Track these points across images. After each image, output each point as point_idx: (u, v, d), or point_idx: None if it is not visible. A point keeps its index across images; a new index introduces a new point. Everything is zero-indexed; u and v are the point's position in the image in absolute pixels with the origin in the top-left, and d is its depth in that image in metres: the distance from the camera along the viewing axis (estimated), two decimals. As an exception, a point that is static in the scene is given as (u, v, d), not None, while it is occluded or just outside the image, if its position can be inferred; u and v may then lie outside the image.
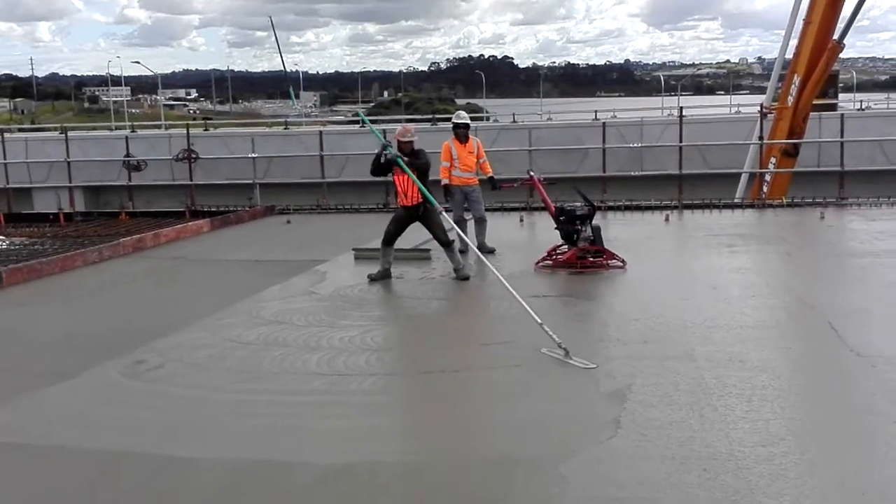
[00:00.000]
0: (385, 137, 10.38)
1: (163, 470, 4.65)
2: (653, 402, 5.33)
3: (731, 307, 7.89)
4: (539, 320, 6.73)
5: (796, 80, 17.90)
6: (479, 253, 9.76)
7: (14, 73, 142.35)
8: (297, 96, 60.80)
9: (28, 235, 15.42)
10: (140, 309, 8.96)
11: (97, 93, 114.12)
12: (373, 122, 33.44)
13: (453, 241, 10.23)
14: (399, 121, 37.62)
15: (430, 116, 31.60)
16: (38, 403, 5.85)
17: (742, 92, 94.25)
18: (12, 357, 7.14)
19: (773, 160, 18.53)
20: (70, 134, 23.00)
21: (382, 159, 9.59)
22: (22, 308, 9.22)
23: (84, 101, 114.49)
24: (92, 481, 4.56)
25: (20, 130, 36.75)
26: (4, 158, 21.31)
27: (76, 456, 4.89)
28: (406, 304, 9.00)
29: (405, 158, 9.55)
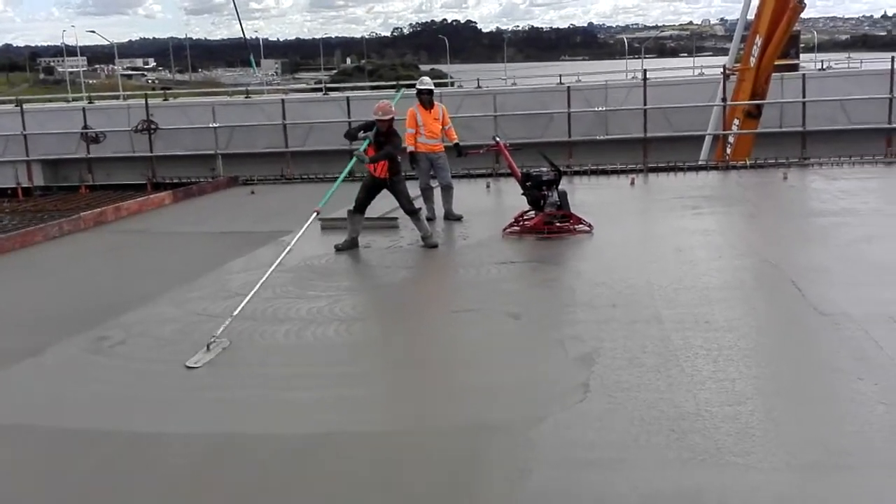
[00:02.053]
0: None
1: (132, 446, 4.61)
2: (621, 365, 5.37)
3: (696, 269, 7.96)
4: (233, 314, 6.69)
5: (758, 40, 17.94)
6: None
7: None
8: (258, 64, 59.88)
9: (-15, 211, 15.12)
10: (103, 284, 8.83)
11: (52, 63, 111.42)
12: (335, 89, 33.09)
13: (420, 208, 10.20)
14: (362, 88, 37.26)
15: (394, 83, 31.30)
16: (2, 382, 5.76)
17: (705, 54, 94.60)
18: (-28, 336, 7.00)
19: (736, 121, 18.63)
20: (26, 106, 22.42)
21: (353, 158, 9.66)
22: (-19, 286, 9.03)
23: (39, 72, 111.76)
24: (60, 459, 4.50)
25: (-27, 104, 35.79)
26: (-43, 133, 20.78)
27: (43, 434, 4.83)
28: (374, 274, 8.96)
29: (366, 157, 9.56)
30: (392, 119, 9.60)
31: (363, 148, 9.58)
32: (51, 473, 4.35)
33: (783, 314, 6.64)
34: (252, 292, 7.03)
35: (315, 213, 8.76)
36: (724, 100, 18.03)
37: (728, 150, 18.42)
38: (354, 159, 9.64)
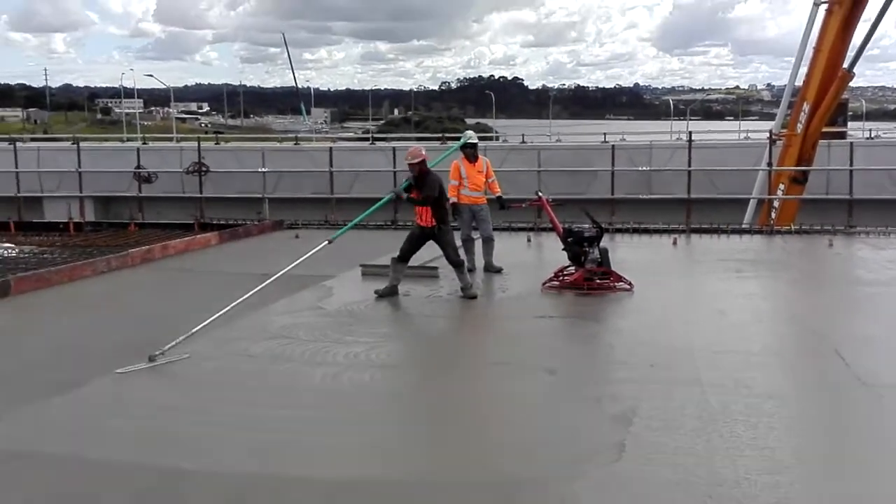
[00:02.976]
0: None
1: (167, 481, 4.65)
2: (658, 427, 5.31)
3: (738, 333, 7.87)
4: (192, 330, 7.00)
5: (806, 107, 17.92)
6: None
7: (28, 83, 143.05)
8: (308, 112, 61.13)
9: (38, 244, 15.48)
10: (147, 320, 8.97)
11: (110, 104, 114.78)
12: (382, 139, 33.62)
13: (464, 261, 10.25)
14: (409, 139, 37.81)
15: (439, 135, 31.72)
16: (44, 412, 5.85)
17: (751, 118, 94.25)
18: (18, 365, 7.14)
19: (781, 187, 18.52)
20: (82, 144, 23.12)
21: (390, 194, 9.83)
22: (29, 316, 9.25)
23: (97, 112, 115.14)
24: (96, 491, 4.55)
25: (32, 140, 36.99)
26: (16, 167, 21.43)
27: (81, 465, 4.89)
28: (413, 322, 9.00)
29: (404, 193, 9.68)
30: (422, 161, 9.70)
31: (403, 187, 9.70)
32: (82, 502, 4.39)
33: (826, 383, 6.51)
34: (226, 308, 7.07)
35: (326, 242, 8.89)
36: (770, 164, 17.95)
37: (773, 215, 18.28)
38: (391, 195, 9.72)
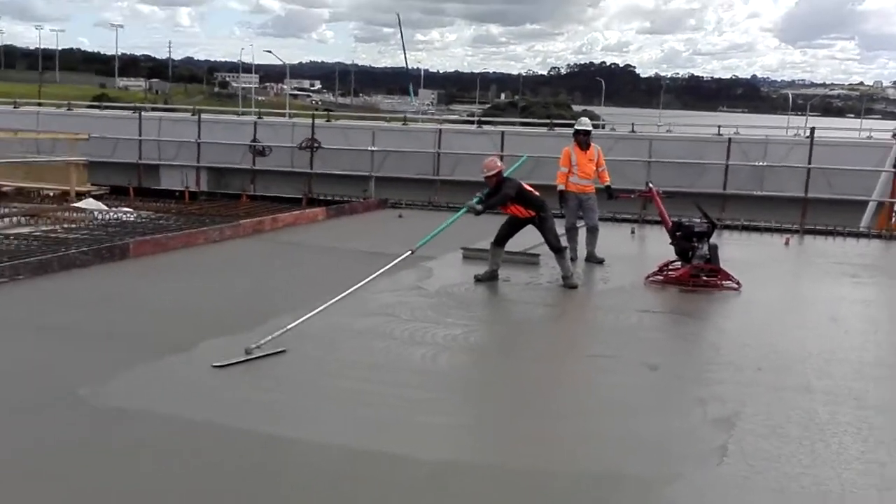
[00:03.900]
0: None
1: (268, 448, 4.80)
2: (762, 433, 5.16)
3: (851, 341, 7.55)
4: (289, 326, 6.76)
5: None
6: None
7: (152, 55, 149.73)
8: (416, 94, 61.55)
9: (154, 210, 16.15)
10: (256, 289, 9.29)
11: (227, 78, 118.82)
12: (488, 122, 33.57)
13: (566, 247, 10.17)
14: (514, 123, 37.61)
15: (545, 121, 31.45)
16: (157, 372, 6.11)
17: (874, 116, 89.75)
18: (134, 325, 7.50)
19: (905, 190, 17.59)
20: (201, 116, 23.99)
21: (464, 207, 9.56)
22: (146, 279, 9.69)
23: (215, 85, 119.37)
24: (197, 454, 4.74)
25: (154, 109, 38.64)
26: (139, 135, 22.45)
27: (188, 427, 5.09)
28: (511, 308, 9.00)
29: (479, 205, 9.45)
30: (497, 174, 9.58)
31: (476, 201, 9.56)
32: (193, 465, 4.59)
33: (946, 400, 6.18)
34: (318, 309, 7.19)
35: (409, 252, 8.64)
36: (894, 166, 17.06)
37: (893, 219, 17.38)
38: (465, 208, 9.50)
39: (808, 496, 4.30)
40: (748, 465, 4.66)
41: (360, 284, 7.80)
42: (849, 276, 10.96)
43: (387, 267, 8.21)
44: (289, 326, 6.77)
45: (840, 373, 6.51)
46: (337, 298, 7.43)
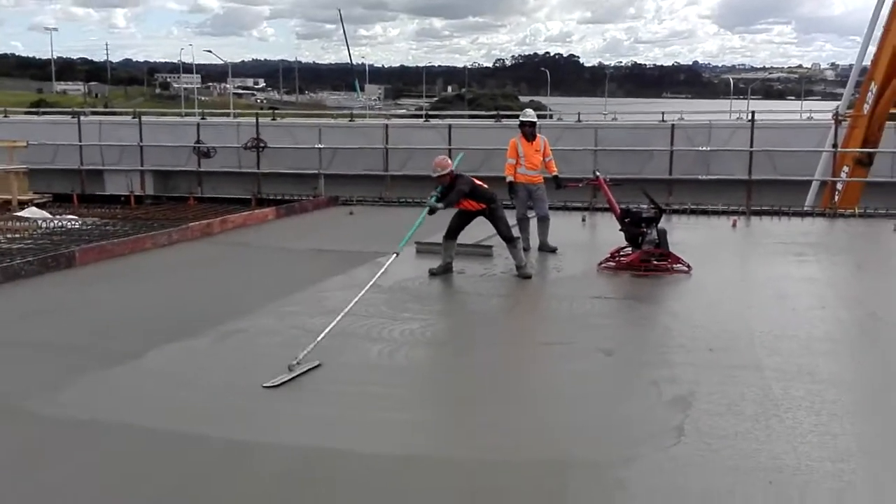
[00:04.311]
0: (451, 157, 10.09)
1: (228, 453, 4.73)
2: (718, 411, 5.24)
3: (799, 318, 7.72)
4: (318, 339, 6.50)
5: (873, 87, 17.38)
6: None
7: (89, 58, 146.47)
8: (363, 89, 61.24)
9: (100, 216, 15.86)
10: (206, 293, 9.15)
11: (169, 79, 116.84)
12: (435, 116, 33.58)
13: (518, 237, 10.21)
14: (462, 115, 37.67)
15: (493, 113, 31.54)
16: (106, 382, 5.99)
17: (814, 98, 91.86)
18: (81, 335, 7.33)
19: (845, 169, 18.03)
20: (142, 119, 23.54)
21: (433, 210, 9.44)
22: (92, 287, 9.49)
23: (156, 87, 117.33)
24: (157, 461, 4.66)
25: (94, 114, 37.78)
26: (80, 140, 21.94)
27: (141, 435, 5.00)
28: (467, 300, 9.01)
29: (439, 203, 9.37)
30: (450, 173, 9.56)
31: (433, 199, 9.51)
32: (148, 474, 4.51)
33: (890, 370, 6.36)
34: (338, 318, 7.02)
35: (395, 255, 8.52)
36: (834, 145, 17.48)
37: (836, 198, 17.82)
38: (426, 209, 9.39)
39: (765, 471, 4.37)
40: (704, 444, 4.74)
41: (363, 292, 7.56)
42: (794, 255, 11.20)
43: (379, 273, 8.01)
44: (319, 338, 6.51)
45: (790, 349, 6.64)
46: (352, 304, 7.22)
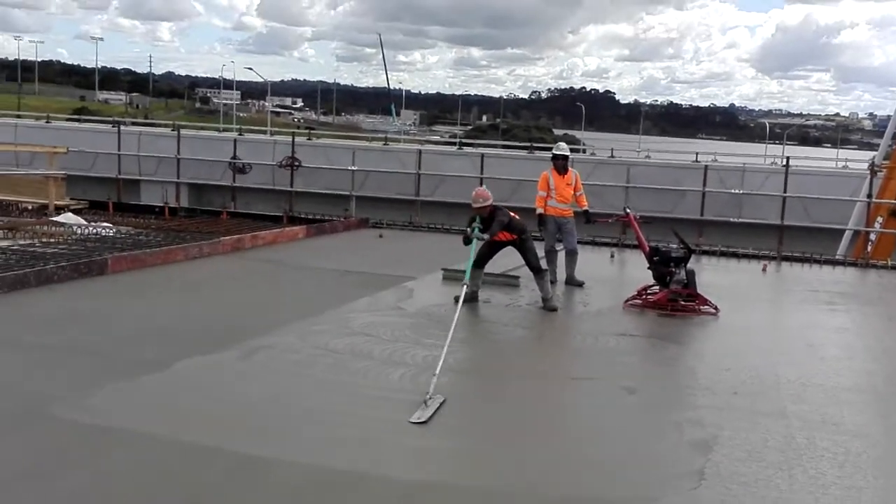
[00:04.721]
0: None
1: (244, 468, 4.76)
2: (740, 457, 5.19)
3: (827, 367, 7.62)
4: (435, 372, 6.35)
5: (912, 138, 17.25)
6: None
7: (133, 69, 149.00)
8: (398, 114, 61.76)
9: (134, 226, 16.05)
10: (234, 307, 9.23)
11: (209, 94, 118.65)
12: (469, 144, 33.75)
13: (546, 269, 10.21)
14: (495, 145, 37.83)
15: (526, 144, 31.65)
16: (131, 390, 6.06)
17: (850, 146, 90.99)
18: (110, 343, 7.43)
19: (879, 219, 17.84)
20: (181, 132, 23.91)
21: (471, 236, 9.44)
22: (123, 296, 9.61)
23: (196, 101, 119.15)
24: (176, 471, 4.70)
25: (133, 124, 38.42)
26: (119, 149, 22.32)
27: (162, 445, 5.05)
28: (491, 329, 9.01)
29: (483, 234, 9.36)
30: (491, 205, 9.57)
31: (477, 230, 9.43)
32: (166, 483, 4.55)
33: (919, 427, 6.25)
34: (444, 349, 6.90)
35: (465, 287, 8.34)
36: (869, 196, 17.32)
37: (868, 248, 17.62)
38: (475, 241, 9.33)
39: (785, 521, 4.32)
40: (725, 489, 4.69)
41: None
42: (825, 304, 11.08)
43: (458, 308, 7.79)
44: (437, 371, 6.39)
45: (816, 398, 6.57)
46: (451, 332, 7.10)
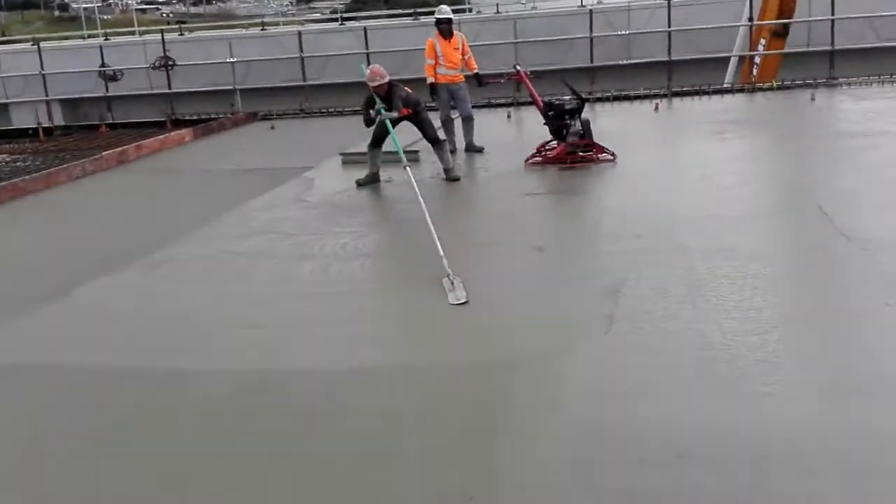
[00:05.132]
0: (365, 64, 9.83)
1: (166, 384, 4.69)
2: (647, 295, 5.37)
3: (722, 196, 7.89)
4: (441, 252, 6.35)
5: (787, -44, 17.36)
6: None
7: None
8: (273, -6, 58.90)
9: (9, 152, 15.12)
10: (129, 223, 8.90)
11: (67, 0, 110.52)
12: (351, 18, 32.59)
13: (444, 140, 10.11)
14: (380, 16, 36.59)
15: (410, 11, 30.71)
16: (35, 323, 5.85)
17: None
18: (3, 278, 7.11)
19: (762, 42, 18.16)
20: (42, 45, 22.28)
21: (376, 118, 9.21)
22: (7, 228, 9.16)
23: (54, 9, 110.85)
24: (95, 398, 4.59)
25: (-10, 43, 35.56)
26: (-23, 74, 20.75)
27: (77, 374, 4.92)
28: (397, 209, 8.96)
29: (388, 112, 9.13)
30: (388, 81, 9.33)
31: (383, 109, 9.19)
32: (86, 411, 4.45)
33: (810, 241, 6.57)
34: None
35: (407, 168, 8.23)
36: (750, 19, 17.55)
37: (754, 72, 18.01)
38: (385, 118, 9.11)
39: (693, 349, 4.52)
40: (635, 328, 4.87)
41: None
42: (716, 134, 11.37)
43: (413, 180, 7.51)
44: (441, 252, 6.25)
45: (713, 228, 6.81)
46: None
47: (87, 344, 5.40)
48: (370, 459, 3.73)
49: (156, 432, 4.15)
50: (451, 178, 9.54)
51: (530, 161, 10.08)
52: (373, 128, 9.48)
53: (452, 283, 5.85)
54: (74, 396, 4.65)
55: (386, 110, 9.15)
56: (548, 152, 10.13)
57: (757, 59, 18.08)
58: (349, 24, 26.76)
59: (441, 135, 10.21)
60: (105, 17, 72.38)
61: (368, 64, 10.08)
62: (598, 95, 15.87)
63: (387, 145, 9.86)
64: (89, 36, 32.80)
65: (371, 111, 9.25)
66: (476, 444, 3.78)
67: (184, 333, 5.45)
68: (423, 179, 9.77)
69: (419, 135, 9.86)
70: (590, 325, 5.00)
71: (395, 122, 9.66)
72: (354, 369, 4.69)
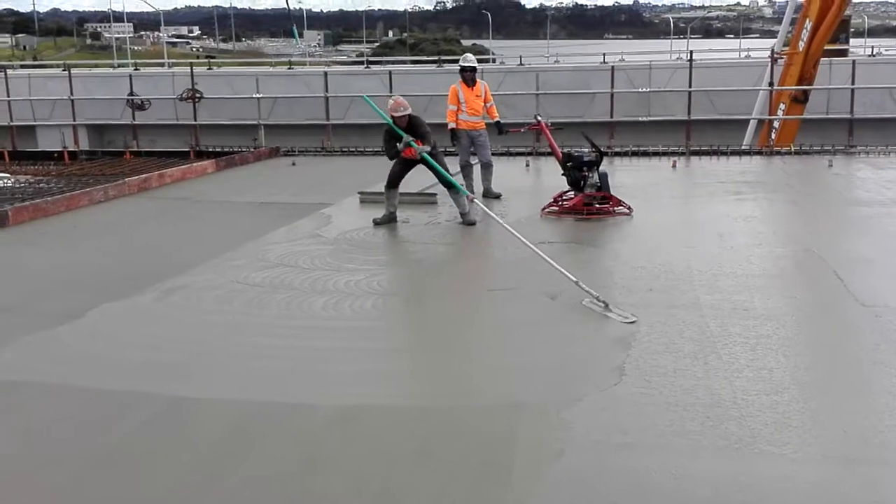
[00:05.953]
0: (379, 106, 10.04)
1: (169, 411, 4.70)
2: (657, 350, 5.37)
3: (737, 255, 7.89)
4: (574, 278, 6.54)
5: (808, 24, 17.62)
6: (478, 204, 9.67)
7: (15, 9, 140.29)
8: (301, 35, 59.87)
9: (33, 174, 15.35)
10: (146, 249, 8.98)
11: (99, 29, 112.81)
12: (377, 62, 33.10)
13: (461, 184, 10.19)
14: (404, 62, 37.19)
15: (435, 58, 31.19)
16: (45, 342, 5.89)
17: (752, 36, 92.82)
18: (18, 296, 7.17)
19: (782, 106, 18.34)
20: (73, 71, 22.72)
21: (403, 149, 9.41)
22: (27, 247, 9.25)
23: (86, 37, 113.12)
24: (99, 420, 4.61)
25: (22, 67, 36.35)
26: (8, 95, 21.12)
27: (83, 395, 4.94)
28: (412, 249, 9.01)
29: (416, 141, 9.34)
30: (408, 113, 9.49)
31: (412, 142, 9.37)
32: (90, 433, 4.46)
33: (824, 304, 6.56)
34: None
35: (473, 200, 8.47)
36: (770, 84, 17.74)
37: (773, 136, 18.16)
38: (421, 153, 9.33)
39: (703, 406, 4.51)
40: (645, 382, 4.86)
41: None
42: (732, 194, 11.41)
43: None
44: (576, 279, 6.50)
45: (727, 287, 6.81)
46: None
47: (96, 366, 5.43)
48: (367, 499, 3.72)
49: (156, 458, 4.15)
50: (467, 221, 9.61)
51: (546, 210, 10.14)
52: (389, 168, 9.59)
53: (607, 306, 6.11)
54: (80, 417, 4.66)
55: (414, 142, 9.28)
56: (564, 202, 10.19)
57: (776, 124, 18.24)
58: (374, 67, 27.18)
59: (459, 180, 10.28)
60: (136, 48, 73.80)
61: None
62: (617, 150, 15.99)
63: (404, 186, 9.97)
64: (119, 65, 33.42)
65: (399, 144, 9.37)
66: (477, 487, 3.76)
67: (192, 361, 5.47)
68: (440, 222, 9.87)
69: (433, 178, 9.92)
70: (599, 375, 4.99)
71: (412, 164, 9.76)
72: (358, 407, 4.69)
